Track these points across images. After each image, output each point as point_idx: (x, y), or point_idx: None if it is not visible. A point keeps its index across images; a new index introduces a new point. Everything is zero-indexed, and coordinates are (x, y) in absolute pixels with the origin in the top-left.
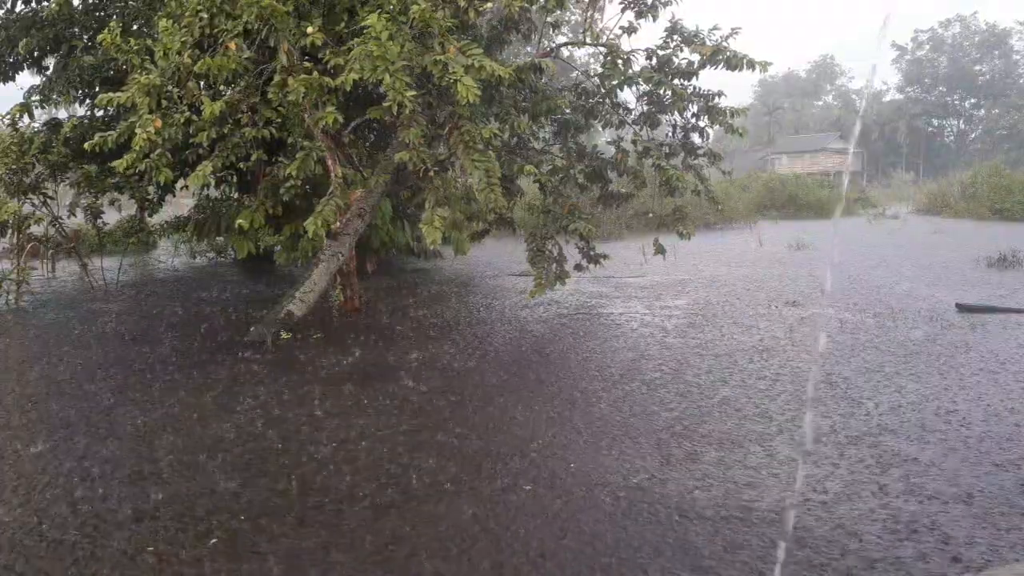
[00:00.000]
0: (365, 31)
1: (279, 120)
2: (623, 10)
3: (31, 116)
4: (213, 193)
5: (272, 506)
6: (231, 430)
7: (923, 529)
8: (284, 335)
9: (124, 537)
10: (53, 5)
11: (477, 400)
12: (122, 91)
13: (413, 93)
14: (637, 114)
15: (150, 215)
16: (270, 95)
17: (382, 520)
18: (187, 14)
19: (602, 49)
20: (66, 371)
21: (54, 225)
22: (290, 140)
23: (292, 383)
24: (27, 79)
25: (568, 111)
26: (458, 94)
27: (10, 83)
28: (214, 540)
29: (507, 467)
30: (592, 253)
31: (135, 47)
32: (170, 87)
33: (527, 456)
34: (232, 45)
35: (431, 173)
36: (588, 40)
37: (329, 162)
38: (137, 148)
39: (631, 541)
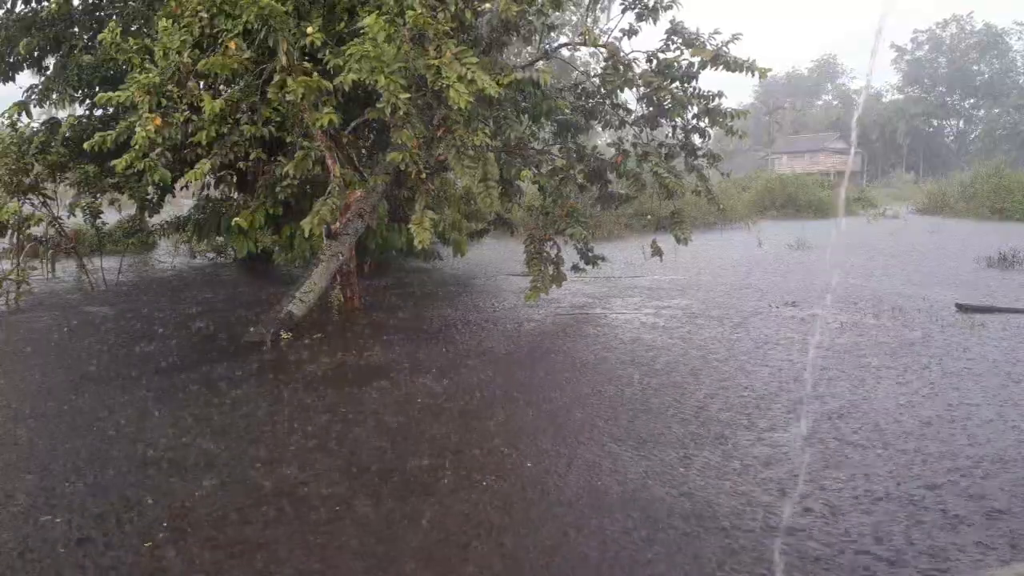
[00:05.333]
0: (362, 32)
1: (278, 120)
2: (624, 11)
3: (29, 115)
4: (213, 193)
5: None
6: (222, 434)
7: None
8: (284, 335)
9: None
10: (53, 5)
11: (473, 400)
12: (121, 90)
13: (407, 96)
14: (637, 115)
15: (150, 215)
16: (269, 95)
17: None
18: (187, 14)
19: (603, 50)
20: (60, 372)
21: (54, 225)
22: (289, 140)
23: (291, 383)
24: (27, 79)
25: (568, 112)
26: (450, 99)
27: (10, 83)
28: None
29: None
30: (590, 254)
31: (135, 47)
32: (170, 86)
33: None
34: (232, 45)
35: (423, 176)
36: (589, 43)
37: (328, 162)
38: (137, 147)
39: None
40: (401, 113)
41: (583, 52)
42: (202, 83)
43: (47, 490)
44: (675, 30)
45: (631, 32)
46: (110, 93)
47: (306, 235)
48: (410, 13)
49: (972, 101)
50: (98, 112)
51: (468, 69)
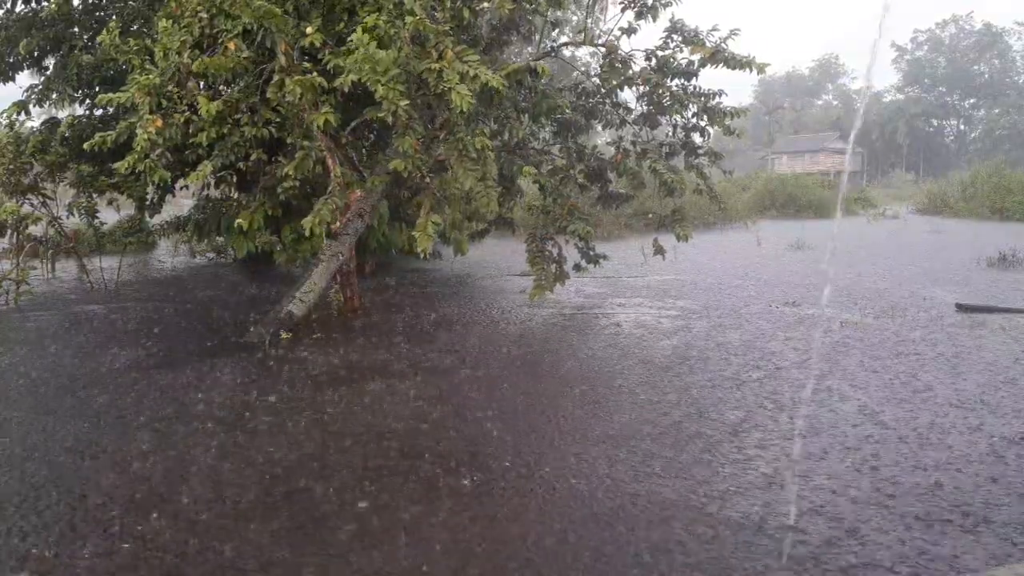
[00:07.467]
0: (350, 41)
1: (278, 120)
2: (623, 10)
3: (28, 115)
4: (213, 193)
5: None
6: (217, 441)
7: None
8: (284, 335)
9: None
10: (53, 5)
11: (471, 401)
12: (122, 91)
13: (407, 103)
14: (637, 114)
15: (150, 216)
16: (269, 95)
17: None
18: (187, 14)
19: (602, 49)
20: (57, 371)
21: (53, 225)
22: (289, 140)
23: (289, 383)
24: (27, 79)
25: (568, 111)
26: (452, 102)
27: (10, 83)
28: None
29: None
30: (591, 253)
31: (134, 47)
32: (170, 87)
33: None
34: (231, 45)
35: (427, 180)
36: (585, 42)
37: (329, 162)
38: (138, 148)
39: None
40: (403, 119)
41: (583, 52)
42: (203, 84)
43: None
44: (675, 28)
45: (630, 31)
46: (110, 94)
47: (307, 234)
48: (410, 19)
49: (972, 101)
50: (98, 112)
51: (470, 67)
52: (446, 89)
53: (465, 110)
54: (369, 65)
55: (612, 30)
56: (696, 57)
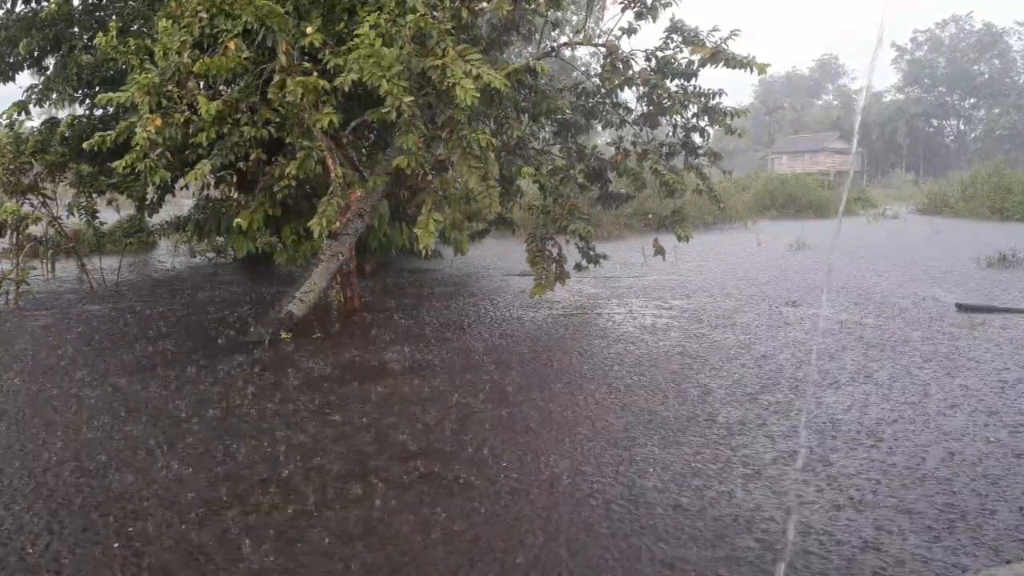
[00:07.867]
0: (357, 37)
1: (278, 120)
2: (623, 10)
3: (28, 115)
4: (213, 193)
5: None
6: (219, 443)
7: None
8: (284, 335)
9: None
10: (53, 5)
11: (469, 402)
12: (122, 91)
13: (411, 99)
14: (637, 114)
15: (150, 215)
16: (269, 95)
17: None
18: (187, 14)
19: (602, 50)
20: (57, 371)
21: (53, 225)
22: (289, 140)
23: (290, 384)
24: (27, 79)
25: (568, 111)
26: (457, 97)
27: (10, 83)
28: None
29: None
30: (592, 253)
31: (133, 47)
32: (170, 87)
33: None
34: (232, 45)
35: (429, 177)
36: (584, 41)
37: (329, 162)
38: (138, 148)
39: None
40: (406, 116)
41: (583, 52)
42: (202, 84)
43: None
44: (675, 28)
45: (630, 31)
46: (110, 94)
47: (315, 236)
48: (411, 17)
49: (972, 101)
50: (98, 112)
51: (473, 66)
52: (450, 84)
53: (469, 104)
54: (373, 60)
55: (612, 30)
56: (696, 57)
